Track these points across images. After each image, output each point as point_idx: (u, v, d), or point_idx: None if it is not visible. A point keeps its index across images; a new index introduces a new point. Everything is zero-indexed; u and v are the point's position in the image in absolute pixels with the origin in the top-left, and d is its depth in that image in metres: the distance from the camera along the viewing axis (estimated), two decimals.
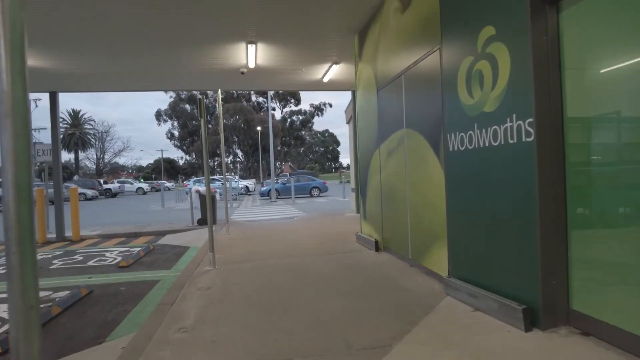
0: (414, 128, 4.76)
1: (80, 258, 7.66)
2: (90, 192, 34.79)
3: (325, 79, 9.85)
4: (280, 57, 8.15)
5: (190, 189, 11.05)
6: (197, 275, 5.33)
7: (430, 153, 4.38)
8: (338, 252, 6.33)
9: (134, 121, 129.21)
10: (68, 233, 10.19)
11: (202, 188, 11.21)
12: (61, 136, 55.23)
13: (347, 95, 12.63)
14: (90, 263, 7.17)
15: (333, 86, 10.90)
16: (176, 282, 5.11)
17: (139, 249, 8.19)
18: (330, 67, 8.90)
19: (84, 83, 9.46)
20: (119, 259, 7.41)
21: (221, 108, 8.93)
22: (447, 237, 4.06)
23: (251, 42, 7.19)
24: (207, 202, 5.72)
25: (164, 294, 4.66)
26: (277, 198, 24.91)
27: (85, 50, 7.31)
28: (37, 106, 38.73)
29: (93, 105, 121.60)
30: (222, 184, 8.73)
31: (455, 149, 3.85)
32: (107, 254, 7.95)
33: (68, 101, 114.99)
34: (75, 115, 57.44)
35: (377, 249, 6.10)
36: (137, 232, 10.69)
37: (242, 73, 8.98)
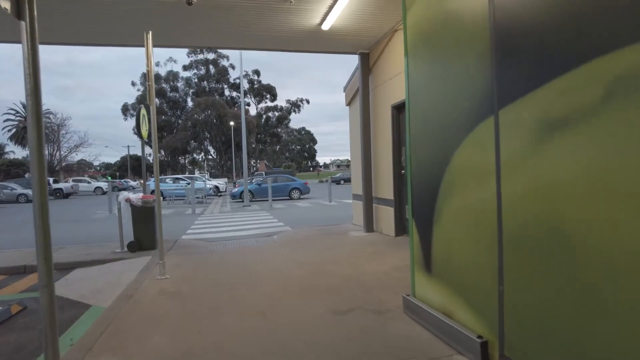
0: None
1: None
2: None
3: (325, 26, 6.24)
4: None
5: (119, 196, 7.07)
6: None
7: None
8: None
9: (101, 117, 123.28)
10: None
11: (134, 196, 7.42)
12: (14, 130, 50.43)
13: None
14: None
15: (335, 43, 7.24)
16: None
17: None
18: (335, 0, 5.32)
19: None
20: None
21: (152, 63, 5.19)
22: None
23: None
24: (36, 233, 2.06)
25: None
26: (251, 201, 21.13)
27: None
28: None
29: (60, 99, 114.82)
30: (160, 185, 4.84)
31: None
32: None
33: (22, 93, 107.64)
34: None
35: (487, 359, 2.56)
36: (27, 266, 6.80)
37: (189, 3, 5.27)
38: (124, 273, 5.97)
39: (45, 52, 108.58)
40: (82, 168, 60.41)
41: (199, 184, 24.23)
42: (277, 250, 7.02)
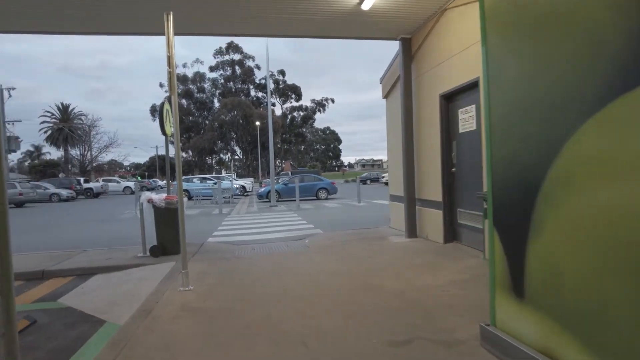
0: None
1: None
2: (64, 193, 30.58)
3: (366, 5, 5.53)
4: None
5: (141, 197, 6.53)
6: None
7: None
8: None
9: (130, 118, 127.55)
10: None
11: (157, 196, 6.92)
12: (50, 132, 51.92)
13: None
14: None
15: (374, 27, 6.49)
16: None
17: None
18: None
19: None
20: None
21: (173, 49, 4.62)
22: None
23: None
24: None
25: None
26: (277, 201, 20.61)
27: None
28: (10, 96, 34.52)
29: (91, 102, 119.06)
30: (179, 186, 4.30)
31: None
32: None
33: (59, 97, 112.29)
34: (64, 109, 53.74)
35: None
36: (46, 271, 6.37)
37: None
38: (144, 281, 5.44)
39: (79, 57, 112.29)
40: (113, 168, 61.81)
41: (225, 184, 23.96)
42: (311, 256, 6.35)
